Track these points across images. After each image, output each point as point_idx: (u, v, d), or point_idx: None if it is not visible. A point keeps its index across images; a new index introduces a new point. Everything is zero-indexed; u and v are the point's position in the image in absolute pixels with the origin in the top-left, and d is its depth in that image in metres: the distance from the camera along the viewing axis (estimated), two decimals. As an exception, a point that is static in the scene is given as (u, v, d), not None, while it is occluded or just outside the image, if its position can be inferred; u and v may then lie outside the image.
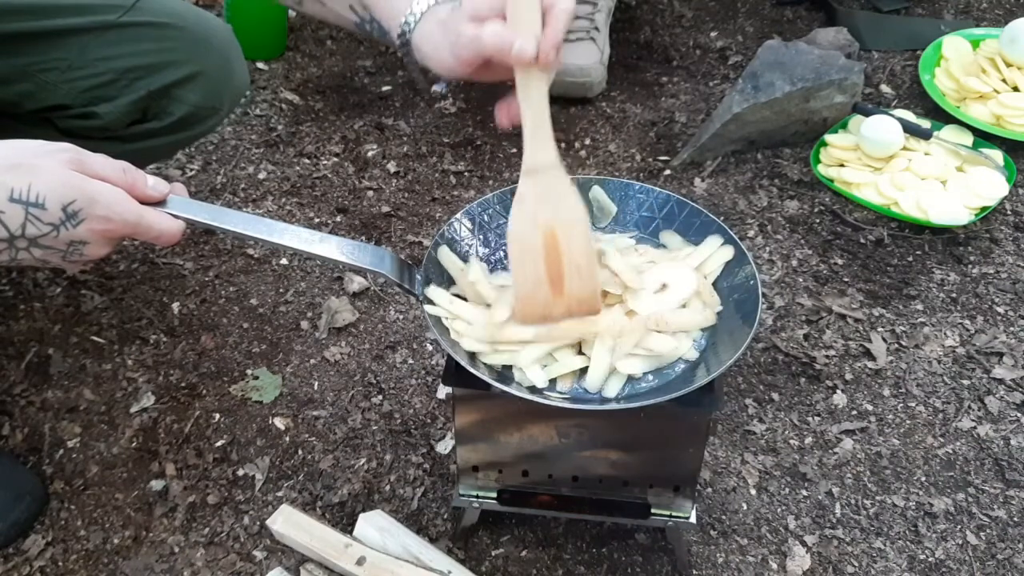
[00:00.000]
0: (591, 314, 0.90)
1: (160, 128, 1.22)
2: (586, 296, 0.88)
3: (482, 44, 0.83)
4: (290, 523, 1.10)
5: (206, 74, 1.19)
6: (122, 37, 1.15)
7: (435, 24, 0.90)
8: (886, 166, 1.68)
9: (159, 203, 0.86)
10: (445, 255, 1.00)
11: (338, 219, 1.65)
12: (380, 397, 1.37)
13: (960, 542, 1.20)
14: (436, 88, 0.97)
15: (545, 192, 0.87)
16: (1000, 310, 1.48)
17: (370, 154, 1.79)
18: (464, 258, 1.02)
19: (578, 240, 0.88)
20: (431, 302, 0.95)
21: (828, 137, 1.73)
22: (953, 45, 1.90)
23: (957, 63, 1.85)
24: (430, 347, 1.44)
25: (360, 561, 1.05)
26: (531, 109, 0.86)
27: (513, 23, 0.84)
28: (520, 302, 0.88)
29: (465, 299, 0.98)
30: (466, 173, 1.75)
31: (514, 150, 1.79)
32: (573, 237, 0.87)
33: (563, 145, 1.81)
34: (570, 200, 0.88)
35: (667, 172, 1.74)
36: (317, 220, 1.65)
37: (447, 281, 1.00)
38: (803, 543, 1.20)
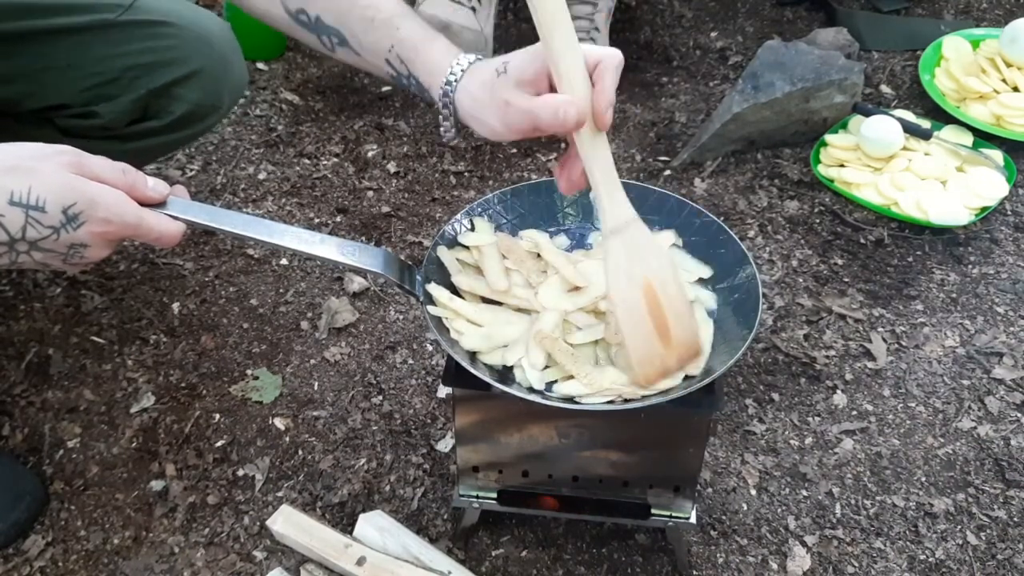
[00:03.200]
0: (697, 358, 0.91)
1: (160, 127, 1.22)
2: (691, 340, 0.90)
3: (537, 117, 0.82)
4: (290, 523, 1.10)
5: (205, 72, 1.19)
6: (122, 36, 1.15)
7: (479, 87, 0.88)
8: (886, 166, 1.68)
9: (159, 204, 0.86)
10: (445, 255, 1.00)
11: (338, 219, 1.65)
12: (380, 397, 1.37)
13: (960, 542, 1.20)
14: (454, 141, 0.96)
15: (632, 248, 0.88)
16: (1000, 310, 1.48)
17: (370, 154, 1.79)
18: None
19: (672, 287, 0.89)
20: (431, 302, 0.95)
21: (828, 137, 1.73)
22: (953, 45, 1.90)
23: (957, 63, 1.85)
24: (430, 347, 1.44)
25: (360, 561, 1.05)
26: (599, 169, 0.85)
27: (564, 88, 0.82)
28: (639, 364, 0.88)
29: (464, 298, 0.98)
30: (466, 173, 1.75)
31: (514, 150, 1.79)
32: (667, 285, 0.88)
33: (563, 145, 1.80)
34: (655, 250, 0.89)
35: (667, 172, 1.74)
36: (317, 220, 1.65)
37: (447, 283, 1.00)
38: (803, 543, 1.20)
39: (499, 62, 0.86)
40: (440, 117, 0.92)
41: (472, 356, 0.92)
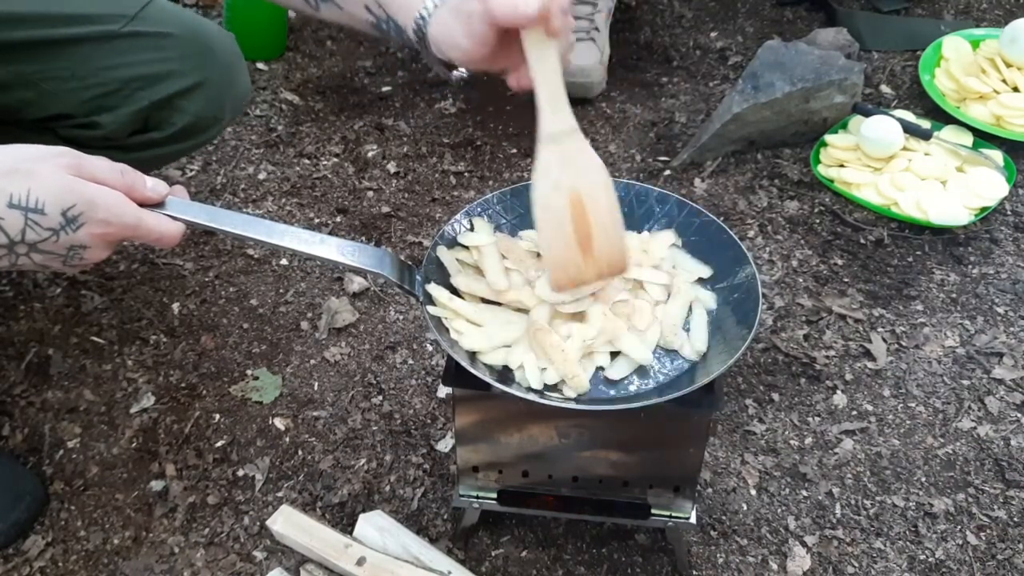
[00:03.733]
0: (620, 273, 0.92)
1: (161, 138, 1.22)
2: (615, 257, 0.90)
3: (491, 12, 0.82)
4: (290, 523, 1.10)
5: (208, 84, 1.19)
6: (125, 47, 1.15)
7: (447, 12, 0.89)
8: (886, 166, 1.68)
9: (158, 205, 0.86)
10: (445, 255, 1.00)
11: (338, 219, 1.65)
12: (380, 397, 1.37)
13: (960, 542, 1.20)
14: (456, 74, 0.96)
15: (567, 157, 0.87)
16: (1000, 310, 1.48)
17: (370, 154, 1.79)
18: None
19: (604, 201, 0.88)
20: (431, 302, 0.95)
21: (828, 137, 1.73)
22: (953, 45, 1.90)
23: (957, 63, 1.85)
24: (430, 347, 1.44)
25: (360, 561, 1.05)
26: (544, 76, 0.85)
27: None
28: (552, 268, 0.89)
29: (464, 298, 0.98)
30: (466, 173, 1.75)
31: (514, 150, 1.79)
32: (599, 199, 0.88)
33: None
34: (592, 163, 0.89)
35: (667, 172, 1.74)
36: (317, 220, 1.65)
37: (447, 283, 1.00)
38: (803, 543, 1.20)
39: None
40: (423, 56, 0.93)
41: (472, 356, 0.92)
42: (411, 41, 0.93)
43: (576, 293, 0.92)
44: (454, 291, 0.98)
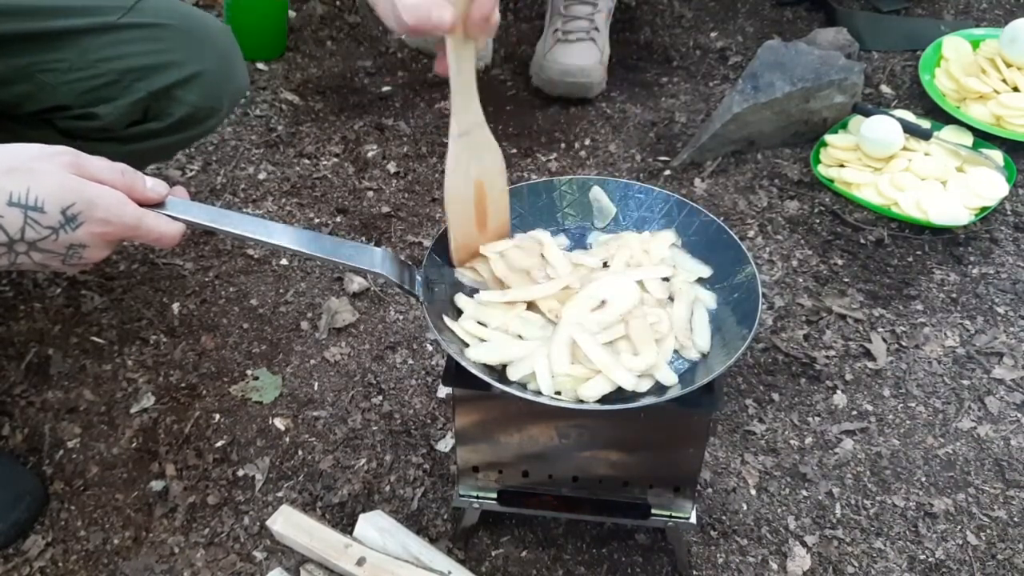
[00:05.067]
0: (504, 238, 1.03)
1: (160, 129, 1.22)
2: (501, 227, 1.03)
3: (405, 22, 0.89)
4: (290, 523, 1.10)
5: (206, 75, 1.19)
6: (122, 38, 1.15)
7: None
8: (886, 166, 1.68)
9: (158, 205, 0.86)
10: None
11: (338, 219, 1.65)
12: (380, 397, 1.37)
13: (960, 542, 1.20)
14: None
15: (473, 149, 0.98)
16: (1000, 310, 1.48)
17: (370, 154, 1.79)
18: None
19: (498, 185, 1.01)
20: (431, 301, 0.95)
21: (828, 137, 1.73)
22: (953, 45, 1.90)
23: (957, 63, 1.85)
24: (430, 347, 1.44)
25: (360, 562, 1.05)
26: (459, 74, 0.93)
27: None
28: (456, 249, 0.99)
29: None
30: (466, 173, 1.75)
31: (514, 150, 1.79)
32: (495, 183, 1.00)
33: (563, 145, 1.81)
34: (492, 150, 0.99)
35: (667, 172, 1.74)
36: (317, 220, 1.65)
37: (447, 282, 1.00)
38: (803, 543, 1.20)
39: None
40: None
41: (468, 352, 0.92)
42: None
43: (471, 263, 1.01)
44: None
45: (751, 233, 1.61)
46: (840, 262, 1.56)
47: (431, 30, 0.88)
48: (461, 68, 0.93)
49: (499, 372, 0.92)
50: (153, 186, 0.86)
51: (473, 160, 0.97)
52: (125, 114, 1.18)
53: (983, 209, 1.60)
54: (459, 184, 0.97)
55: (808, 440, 1.31)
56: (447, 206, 0.97)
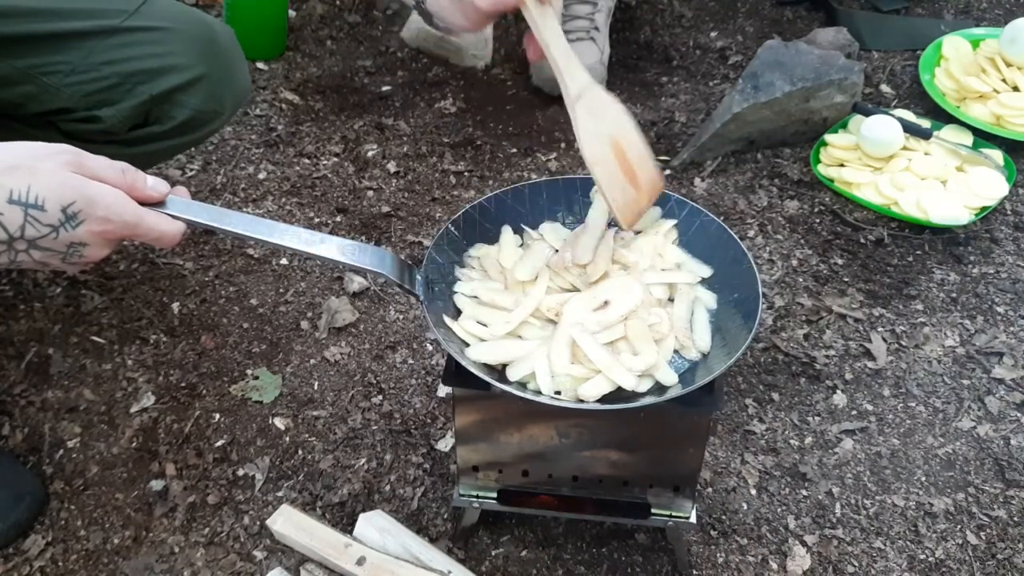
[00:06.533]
0: (661, 191, 1.01)
1: (162, 132, 1.22)
2: (654, 179, 0.99)
3: (479, 6, 0.90)
4: (290, 523, 1.10)
5: (208, 79, 1.20)
6: (125, 41, 1.15)
7: None
8: (886, 166, 1.68)
9: (159, 204, 0.86)
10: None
11: (338, 219, 1.65)
12: (380, 397, 1.37)
13: (960, 542, 1.20)
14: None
15: (594, 110, 0.96)
16: (1000, 310, 1.48)
17: (370, 154, 1.79)
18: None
19: (633, 136, 0.98)
20: (431, 300, 0.95)
21: (828, 137, 1.73)
22: (953, 45, 1.90)
23: (957, 63, 1.85)
24: (430, 347, 1.44)
25: (360, 561, 1.05)
26: (553, 42, 0.93)
27: None
28: (619, 213, 0.96)
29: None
30: (466, 173, 1.75)
31: (514, 150, 1.79)
32: (629, 135, 0.98)
33: (563, 145, 1.81)
34: (614, 106, 0.97)
35: (667, 172, 1.74)
36: (317, 220, 1.65)
37: (445, 280, 1.00)
38: (803, 543, 1.20)
39: None
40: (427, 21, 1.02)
41: (468, 352, 0.92)
42: (414, 5, 1.01)
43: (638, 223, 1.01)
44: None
45: (751, 233, 1.61)
46: (840, 262, 1.56)
47: (508, 6, 0.89)
48: (551, 34, 0.93)
49: (499, 372, 0.92)
50: (154, 185, 0.86)
51: (599, 121, 0.96)
52: (128, 117, 1.18)
53: (983, 209, 1.60)
54: (595, 147, 0.95)
55: (808, 440, 1.31)
56: (594, 172, 0.95)
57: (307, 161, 1.77)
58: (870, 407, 1.35)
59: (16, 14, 1.10)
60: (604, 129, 0.96)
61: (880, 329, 1.45)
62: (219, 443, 1.31)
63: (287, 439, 1.32)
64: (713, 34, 2.10)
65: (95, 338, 1.44)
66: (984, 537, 1.20)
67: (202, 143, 1.46)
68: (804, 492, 1.25)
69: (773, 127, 1.74)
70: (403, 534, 1.11)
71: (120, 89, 1.16)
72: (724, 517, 1.22)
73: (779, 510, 1.23)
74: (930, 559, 1.18)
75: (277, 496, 1.25)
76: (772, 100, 1.69)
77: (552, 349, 0.90)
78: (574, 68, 0.94)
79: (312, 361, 1.42)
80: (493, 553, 1.19)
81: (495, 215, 1.06)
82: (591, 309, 0.94)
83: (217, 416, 1.34)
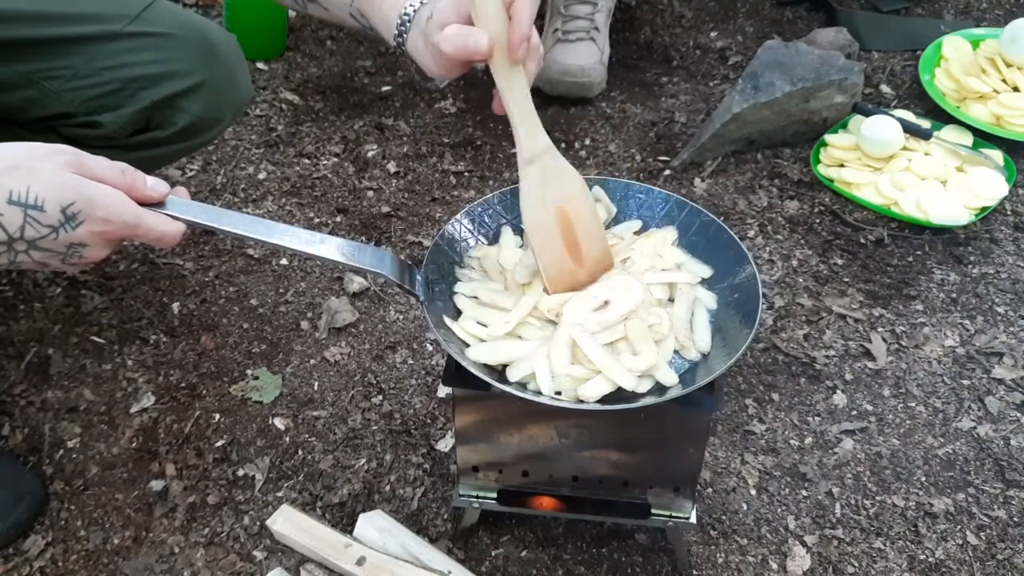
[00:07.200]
0: (608, 271, 0.97)
1: (163, 138, 1.22)
2: (602, 256, 0.96)
3: (444, 52, 0.87)
4: (290, 523, 1.10)
5: (210, 85, 1.20)
6: (127, 47, 1.15)
7: (418, 35, 0.93)
8: (886, 166, 1.68)
9: (158, 204, 0.86)
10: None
11: (338, 219, 1.65)
12: (380, 397, 1.37)
13: (960, 542, 1.20)
14: (432, 85, 1.01)
15: (546, 175, 0.93)
16: (1000, 310, 1.48)
17: (370, 154, 1.79)
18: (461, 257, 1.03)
19: (584, 209, 0.95)
20: (431, 301, 0.95)
21: (828, 137, 1.73)
22: (953, 45, 1.90)
23: (957, 63, 1.85)
24: (430, 347, 1.44)
25: (360, 561, 1.05)
26: (515, 102, 0.90)
27: (480, 24, 0.87)
28: (549, 281, 0.94)
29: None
30: (466, 173, 1.75)
31: (514, 150, 1.79)
32: (580, 208, 0.95)
33: (563, 145, 1.81)
34: (568, 174, 0.94)
35: (667, 172, 1.74)
36: (317, 220, 1.65)
37: (445, 280, 1.00)
38: (803, 543, 1.20)
39: (430, 8, 0.91)
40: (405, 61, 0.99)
41: (469, 353, 0.92)
42: (394, 50, 0.99)
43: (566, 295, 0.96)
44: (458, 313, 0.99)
45: (751, 233, 1.61)
46: (840, 262, 1.56)
47: (469, 55, 0.86)
48: (514, 95, 0.90)
49: (499, 372, 0.92)
50: (153, 185, 0.86)
51: (549, 187, 0.93)
52: (129, 123, 1.18)
53: (983, 209, 1.60)
54: (537, 212, 0.93)
55: (808, 440, 1.31)
56: (530, 237, 0.93)
57: (307, 161, 1.77)
58: (870, 407, 1.35)
59: (18, 18, 1.11)
60: (552, 196, 0.93)
61: (880, 329, 1.45)
62: (219, 443, 1.31)
63: (287, 439, 1.32)
64: (713, 34, 2.10)
65: (95, 338, 1.44)
66: (984, 537, 1.20)
67: (202, 148, 1.46)
68: (804, 492, 1.25)
69: (773, 127, 1.74)
70: (403, 534, 1.11)
71: (121, 94, 1.16)
72: (724, 517, 1.22)
73: (779, 510, 1.23)
74: (930, 559, 1.18)
75: (277, 496, 1.25)
76: (772, 100, 1.69)
77: (552, 349, 0.90)
78: (534, 130, 0.91)
79: (312, 361, 1.42)
80: (493, 553, 1.19)
81: (495, 214, 1.06)
82: (591, 309, 0.94)
83: (217, 416, 1.34)
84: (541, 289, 0.96)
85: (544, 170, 0.93)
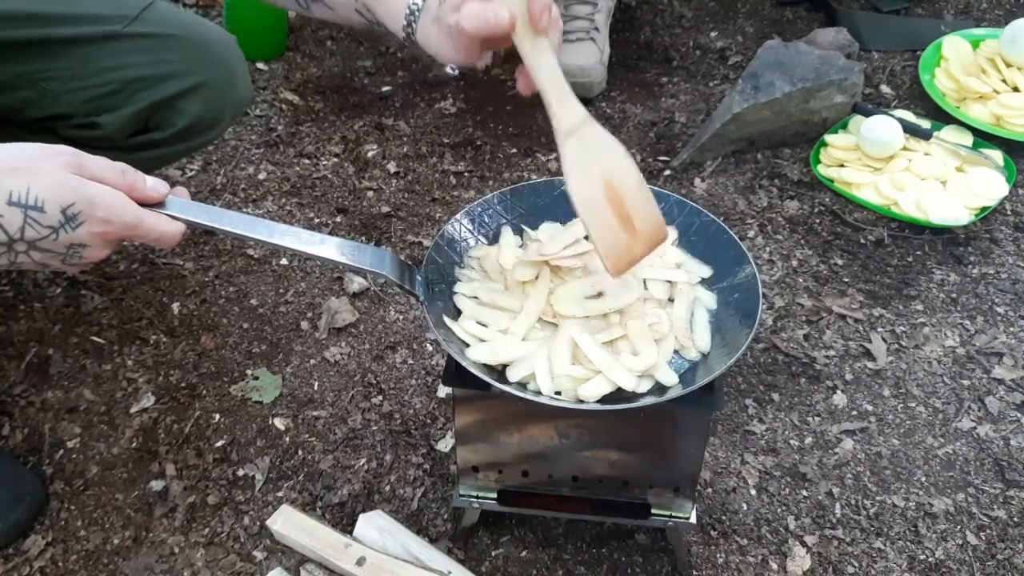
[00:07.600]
0: (664, 241, 0.93)
1: (161, 139, 1.22)
2: (655, 227, 0.91)
3: (465, 30, 0.84)
4: (290, 523, 1.10)
5: (209, 86, 1.20)
6: (126, 48, 1.15)
7: (431, 22, 0.90)
8: (886, 166, 1.68)
9: (158, 204, 0.86)
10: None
11: (338, 219, 1.65)
12: (380, 397, 1.37)
13: (960, 542, 1.20)
14: (448, 70, 0.98)
15: (587, 146, 0.89)
16: (1000, 310, 1.48)
17: (370, 154, 1.79)
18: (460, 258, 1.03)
19: (631, 178, 0.90)
20: (431, 301, 0.95)
21: (828, 137, 1.73)
22: (953, 45, 1.90)
23: (957, 63, 1.85)
24: (430, 347, 1.44)
25: (360, 561, 1.05)
26: (545, 75, 0.86)
27: None
28: (605, 256, 0.89)
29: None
30: (466, 173, 1.75)
31: (514, 150, 1.79)
32: (626, 178, 0.90)
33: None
34: (611, 144, 0.90)
35: (667, 172, 1.74)
36: (317, 220, 1.65)
37: (445, 280, 1.00)
38: (803, 543, 1.20)
39: None
40: (417, 53, 0.96)
41: (470, 353, 0.92)
42: (403, 43, 0.95)
43: (630, 272, 0.93)
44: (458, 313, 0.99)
45: (751, 233, 1.61)
46: (840, 262, 1.56)
47: (491, 31, 0.83)
48: (542, 66, 0.86)
49: (499, 372, 0.92)
50: (153, 185, 0.86)
51: (591, 160, 0.89)
52: (127, 124, 1.18)
53: (983, 209, 1.60)
54: (584, 187, 0.88)
55: (808, 440, 1.31)
56: (581, 213, 0.89)
57: (307, 161, 1.77)
58: (870, 407, 1.35)
59: (17, 19, 1.11)
60: (597, 168, 0.89)
61: (880, 329, 1.45)
62: (219, 443, 1.31)
63: (287, 439, 1.32)
64: (713, 34, 2.10)
65: (95, 338, 1.44)
66: (984, 537, 1.20)
67: (201, 149, 1.46)
68: (804, 492, 1.25)
69: (773, 127, 1.74)
70: (403, 534, 1.11)
71: (120, 95, 1.16)
72: (724, 517, 1.22)
73: (779, 510, 1.23)
74: (930, 559, 1.18)
75: (277, 496, 1.25)
76: (772, 100, 1.69)
77: (552, 350, 0.91)
78: (569, 102, 0.87)
79: (312, 361, 1.42)
80: (493, 553, 1.19)
81: (495, 214, 1.06)
82: (583, 296, 0.93)
83: (217, 416, 1.34)
84: (545, 289, 0.96)
85: (584, 142, 0.88)
